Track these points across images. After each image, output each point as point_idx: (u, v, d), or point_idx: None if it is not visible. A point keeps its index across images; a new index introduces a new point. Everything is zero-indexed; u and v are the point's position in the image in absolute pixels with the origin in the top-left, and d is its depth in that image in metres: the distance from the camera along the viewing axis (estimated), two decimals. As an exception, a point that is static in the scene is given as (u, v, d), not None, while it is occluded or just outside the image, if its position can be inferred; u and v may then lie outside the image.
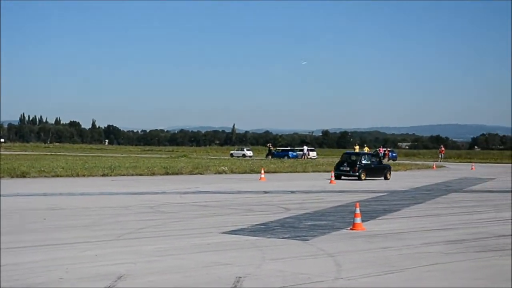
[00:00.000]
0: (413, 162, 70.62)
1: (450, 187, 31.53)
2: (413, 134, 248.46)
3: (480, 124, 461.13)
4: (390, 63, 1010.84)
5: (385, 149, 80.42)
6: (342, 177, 36.54)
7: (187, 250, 11.59)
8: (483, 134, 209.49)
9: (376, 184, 32.67)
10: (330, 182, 32.40)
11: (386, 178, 37.55)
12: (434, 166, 58.40)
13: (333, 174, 35.40)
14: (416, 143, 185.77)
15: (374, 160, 39.13)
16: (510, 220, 17.14)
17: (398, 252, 11.74)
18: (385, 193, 26.46)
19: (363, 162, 37.24)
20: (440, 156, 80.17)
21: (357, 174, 36.25)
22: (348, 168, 36.69)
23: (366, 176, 36.58)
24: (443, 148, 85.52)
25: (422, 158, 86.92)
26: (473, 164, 63.05)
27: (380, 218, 17.34)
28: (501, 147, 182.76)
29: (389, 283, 9.20)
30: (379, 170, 38.18)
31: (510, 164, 74.64)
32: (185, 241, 12.62)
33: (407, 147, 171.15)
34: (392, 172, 39.76)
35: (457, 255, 11.46)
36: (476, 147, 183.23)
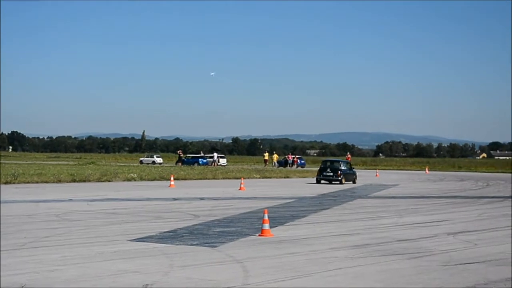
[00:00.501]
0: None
1: (355, 193, 32.40)
2: (321, 141, 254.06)
3: (384, 132, 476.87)
4: (298, 73, 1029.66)
5: (293, 156, 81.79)
6: (322, 182, 41.87)
7: (93, 258, 11.37)
8: (387, 142, 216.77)
9: (285, 190, 33.13)
10: (240, 189, 32.58)
11: (354, 182, 42.84)
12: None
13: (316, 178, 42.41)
14: (324, 150, 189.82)
15: (348, 167, 43.84)
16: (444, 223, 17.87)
17: (305, 257, 11.96)
18: (294, 199, 26.87)
19: (343, 168, 42.52)
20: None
21: (339, 178, 41.41)
22: (331, 174, 41.89)
23: (345, 181, 41.76)
24: (349, 155, 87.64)
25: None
26: (377, 171, 65.10)
27: (288, 224, 17.60)
28: (403, 154, 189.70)
29: (296, 287, 9.37)
30: (351, 175, 43.47)
31: (412, 171, 77.55)
32: (91, 249, 12.37)
33: (315, 154, 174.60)
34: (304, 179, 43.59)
35: (361, 259, 11.81)
36: (380, 154, 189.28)
